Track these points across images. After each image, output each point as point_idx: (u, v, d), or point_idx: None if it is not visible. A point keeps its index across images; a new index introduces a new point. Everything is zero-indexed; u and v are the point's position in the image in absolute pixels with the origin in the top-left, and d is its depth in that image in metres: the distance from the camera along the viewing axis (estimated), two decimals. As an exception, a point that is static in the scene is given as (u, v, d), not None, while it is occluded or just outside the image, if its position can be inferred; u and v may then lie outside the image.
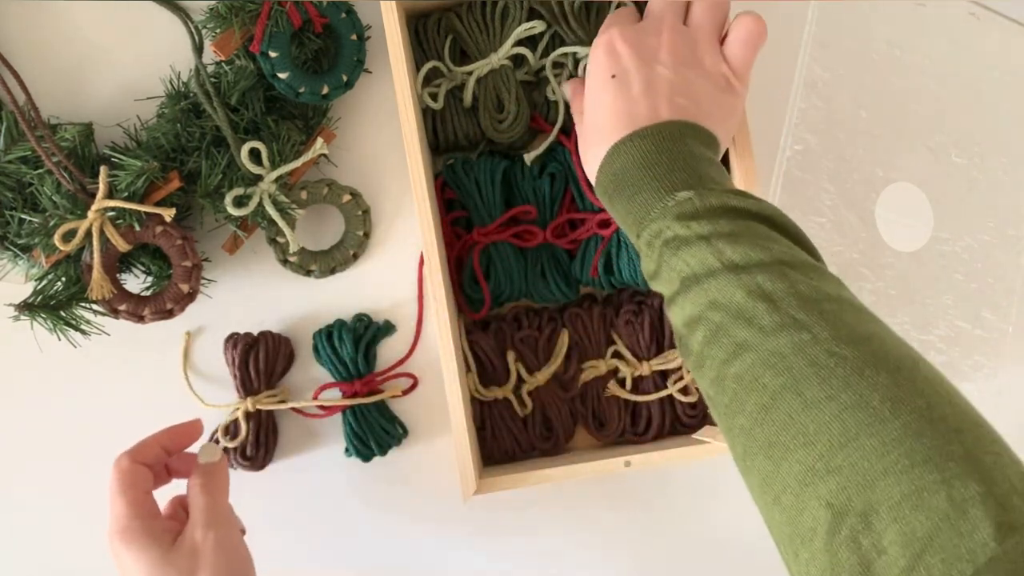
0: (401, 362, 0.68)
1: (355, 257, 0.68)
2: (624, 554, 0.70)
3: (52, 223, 0.60)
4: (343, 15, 0.64)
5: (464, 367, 0.63)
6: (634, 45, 0.54)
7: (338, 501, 0.69)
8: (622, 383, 0.66)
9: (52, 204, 0.61)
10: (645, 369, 0.65)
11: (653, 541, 0.70)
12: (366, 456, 0.67)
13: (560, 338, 0.66)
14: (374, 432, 0.67)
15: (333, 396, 0.67)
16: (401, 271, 0.68)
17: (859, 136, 0.60)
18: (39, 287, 0.62)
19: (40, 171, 0.61)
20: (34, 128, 0.62)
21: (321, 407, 0.67)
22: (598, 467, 0.60)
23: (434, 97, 0.65)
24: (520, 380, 0.65)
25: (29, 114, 0.63)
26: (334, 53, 0.65)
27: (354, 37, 0.65)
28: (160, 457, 0.57)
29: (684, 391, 0.65)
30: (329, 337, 0.67)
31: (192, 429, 0.59)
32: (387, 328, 0.68)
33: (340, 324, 0.67)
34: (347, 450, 0.67)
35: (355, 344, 0.66)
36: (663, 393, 0.65)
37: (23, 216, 0.62)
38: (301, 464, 0.69)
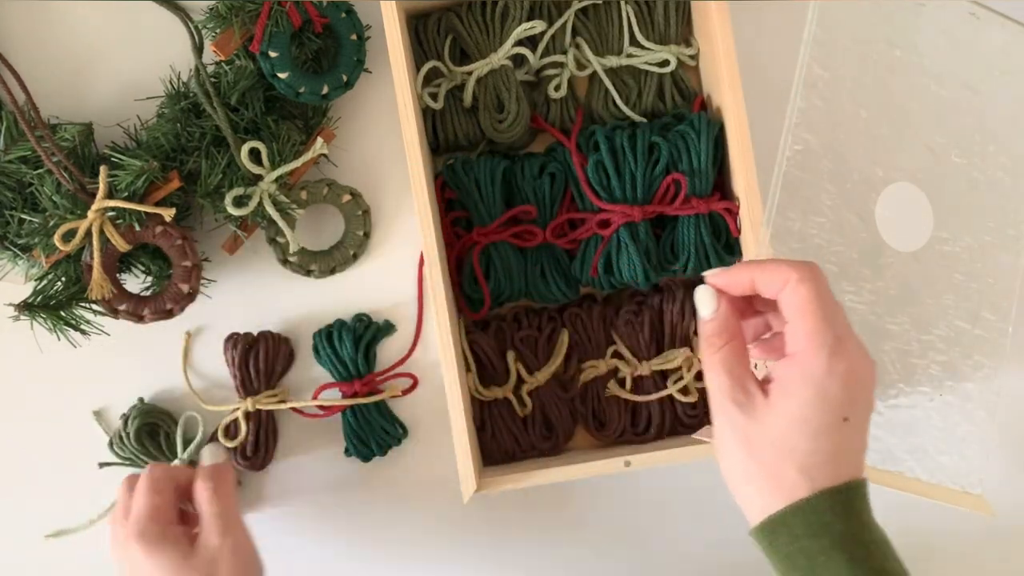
0: (401, 362, 0.68)
1: (355, 257, 0.68)
2: (624, 554, 0.70)
3: (52, 223, 0.60)
4: (343, 15, 0.64)
5: (464, 367, 0.63)
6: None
7: (338, 501, 0.69)
8: (622, 383, 0.66)
9: (52, 204, 0.61)
10: (645, 369, 0.65)
11: (653, 541, 0.70)
12: (366, 456, 0.67)
13: (560, 338, 0.66)
14: (374, 432, 0.67)
15: (333, 396, 0.67)
16: (401, 271, 0.68)
17: (859, 136, 0.60)
18: (39, 287, 0.62)
19: (40, 171, 0.61)
20: (34, 128, 0.62)
21: (321, 407, 0.67)
22: (598, 467, 0.60)
23: (434, 97, 0.65)
24: (520, 380, 0.65)
25: (29, 114, 0.63)
26: (334, 53, 0.65)
27: (354, 37, 0.65)
28: (189, 478, 0.60)
29: (684, 391, 0.65)
30: (329, 337, 0.67)
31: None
32: (387, 328, 0.68)
33: (340, 324, 0.67)
34: (347, 450, 0.67)
35: (355, 344, 0.66)
36: (663, 393, 0.65)
37: (23, 216, 0.62)
38: (301, 464, 0.69)
